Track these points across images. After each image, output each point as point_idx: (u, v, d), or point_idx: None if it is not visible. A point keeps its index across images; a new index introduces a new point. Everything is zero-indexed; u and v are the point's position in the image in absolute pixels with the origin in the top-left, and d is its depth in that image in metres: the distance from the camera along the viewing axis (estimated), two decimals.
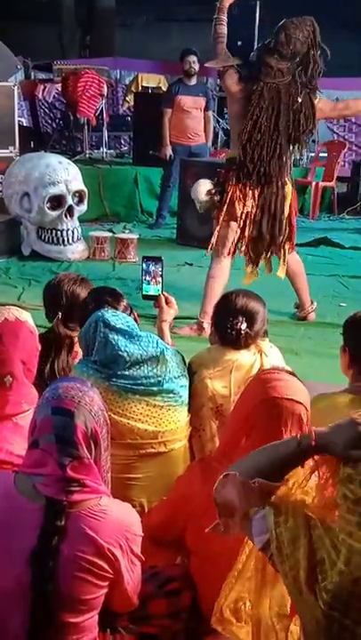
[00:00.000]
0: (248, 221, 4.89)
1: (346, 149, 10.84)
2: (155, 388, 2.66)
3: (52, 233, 7.09)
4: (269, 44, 4.65)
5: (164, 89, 11.00)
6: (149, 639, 2.12)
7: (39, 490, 1.82)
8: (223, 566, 2.05)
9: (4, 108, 7.99)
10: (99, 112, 10.56)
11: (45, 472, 1.83)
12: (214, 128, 9.64)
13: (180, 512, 2.19)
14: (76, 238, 7.20)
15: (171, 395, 2.69)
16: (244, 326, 2.87)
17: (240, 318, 2.88)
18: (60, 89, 11.34)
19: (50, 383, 2.03)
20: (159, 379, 2.66)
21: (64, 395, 1.88)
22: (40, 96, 12.42)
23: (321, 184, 10.05)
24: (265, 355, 2.94)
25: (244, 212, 4.86)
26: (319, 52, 4.66)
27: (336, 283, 6.69)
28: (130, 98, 12.62)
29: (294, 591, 1.51)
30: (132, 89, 12.88)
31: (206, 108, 8.44)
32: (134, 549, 1.92)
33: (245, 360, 2.89)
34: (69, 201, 7.03)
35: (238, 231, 4.92)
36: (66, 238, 7.12)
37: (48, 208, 6.95)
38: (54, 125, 12.48)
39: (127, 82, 13.59)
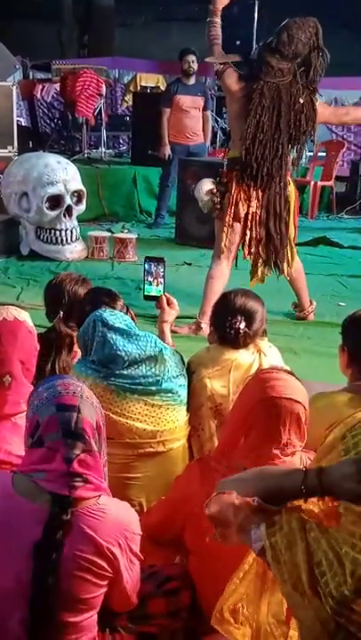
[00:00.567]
0: (253, 222, 4.88)
1: (345, 149, 10.85)
2: (153, 388, 2.66)
3: (50, 233, 7.08)
4: (271, 44, 4.64)
5: (163, 88, 10.99)
6: (148, 638, 2.12)
7: (42, 486, 1.82)
8: (222, 565, 2.05)
9: (2, 108, 7.98)
10: (97, 112, 10.56)
11: (49, 468, 1.83)
12: (213, 128, 9.64)
13: (178, 511, 2.19)
14: (74, 238, 7.19)
15: (169, 394, 2.70)
16: (242, 325, 2.87)
17: (239, 317, 2.88)
18: (58, 89, 11.34)
19: None
20: (158, 378, 2.66)
21: (65, 391, 1.89)
22: (38, 96, 12.42)
23: (320, 183, 10.05)
24: (264, 354, 2.94)
25: (249, 212, 4.84)
26: (321, 54, 4.65)
27: (335, 282, 6.68)
28: (128, 97, 12.64)
29: (296, 597, 1.49)
30: (131, 88, 12.89)
31: (205, 108, 8.44)
32: (133, 548, 1.93)
33: (244, 359, 2.89)
34: (68, 201, 7.03)
35: (246, 233, 4.89)
36: (64, 238, 7.11)
37: (47, 208, 6.94)
38: (53, 125, 12.49)
39: (126, 81, 13.60)
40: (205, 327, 4.45)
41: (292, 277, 5.27)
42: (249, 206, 4.83)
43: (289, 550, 1.50)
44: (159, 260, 3.24)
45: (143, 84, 12.88)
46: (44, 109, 12.78)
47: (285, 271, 5.09)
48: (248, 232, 4.88)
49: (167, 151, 8.37)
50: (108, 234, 7.73)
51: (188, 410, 2.81)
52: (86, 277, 3.49)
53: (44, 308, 3.45)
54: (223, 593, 1.81)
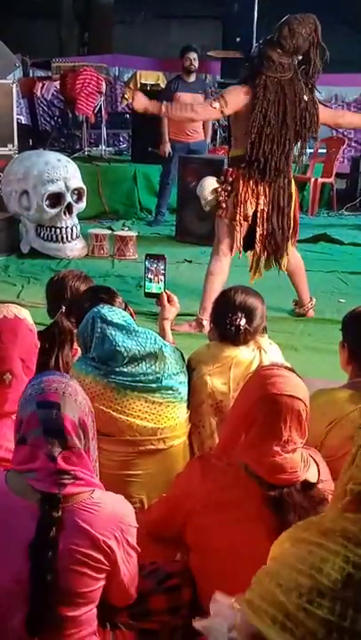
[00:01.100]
0: (262, 220, 4.87)
1: (345, 145, 10.83)
2: (154, 385, 2.66)
3: (51, 230, 7.08)
4: (272, 39, 4.64)
5: (163, 86, 10.98)
6: (149, 635, 2.12)
7: (33, 485, 1.83)
8: (223, 562, 2.06)
9: (2, 106, 7.98)
10: (97, 109, 10.55)
11: (36, 467, 1.83)
12: (213, 125, 9.62)
13: (179, 508, 2.19)
14: (75, 236, 7.19)
15: (170, 391, 2.70)
16: (243, 322, 2.87)
17: (239, 314, 2.88)
18: (58, 86, 11.31)
19: None
20: (158, 375, 2.66)
21: (47, 388, 1.89)
22: (38, 94, 12.40)
23: (320, 180, 10.04)
24: (264, 351, 2.94)
25: (258, 210, 4.84)
26: (320, 51, 4.66)
27: (335, 279, 6.69)
28: (129, 95, 12.61)
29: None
30: (131, 86, 12.86)
31: None
32: (130, 540, 1.93)
33: (245, 356, 2.89)
34: (68, 198, 7.03)
35: (256, 230, 4.89)
36: (65, 236, 7.11)
37: (47, 206, 6.94)
38: (53, 123, 12.48)
39: (126, 79, 13.58)
40: (207, 324, 4.45)
41: (292, 272, 5.27)
42: (257, 204, 4.83)
43: None
44: (160, 258, 3.24)
45: (143, 82, 12.85)
46: (44, 107, 12.77)
47: (284, 265, 5.10)
48: (258, 229, 4.88)
49: (167, 149, 8.37)
50: (109, 231, 7.74)
51: (188, 407, 2.81)
52: (88, 275, 3.49)
53: (45, 305, 3.45)
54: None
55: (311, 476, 2.11)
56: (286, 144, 4.74)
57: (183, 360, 2.84)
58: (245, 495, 2.06)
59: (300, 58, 4.69)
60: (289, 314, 5.56)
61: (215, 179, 4.97)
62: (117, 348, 2.62)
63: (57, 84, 11.35)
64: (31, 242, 7.17)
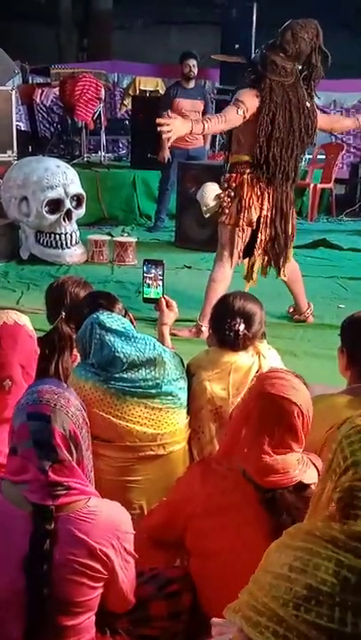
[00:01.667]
0: (264, 225, 4.87)
1: (344, 151, 10.87)
2: (153, 391, 2.66)
3: (50, 237, 7.09)
4: (274, 43, 4.65)
5: (162, 92, 11.00)
6: None
7: (27, 497, 1.82)
8: (223, 567, 2.06)
9: (1, 113, 8.01)
10: (96, 116, 10.56)
11: (28, 478, 1.82)
12: None
13: (179, 513, 2.19)
14: (74, 242, 7.20)
15: (169, 397, 2.70)
16: (241, 328, 2.88)
17: (238, 320, 2.88)
18: (57, 93, 11.34)
19: None
20: (157, 381, 2.66)
21: (39, 399, 1.87)
22: (38, 100, 12.43)
23: (319, 186, 10.06)
24: (263, 356, 2.94)
25: (262, 215, 4.84)
26: (320, 57, 4.67)
27: (334, 284, 6.69)
28: (128, 101, 12.62)
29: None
30: (130, 92, 12.89)
31: (204, 112, 8.43)
32: (127, 547, 1.92)
33: (244, 362, 2.89)
34: (68, 204, 7.04)
35: (257, 236, 4.88)
36: (64, 242, 7.12)
37: (46, 212, 6.96)
38: (52, 129, 12.49)
39: (125, 85, 13.60)
40: (206, 330, 4.45)
41: (289, 279, 5.26)
42: (261, 209, 4.82)
43: None
44: (158, 263, 3.25)
45: (142, 88, 12.87)
46: (44, 114, 12.81)
47: (283, 272, 5.10)
48: (260, 234, 4.88)
49: (167, 155, 8.37)
50: (108, 237, 7.75)
51: (188, 412, 2.82)
52: (87, 281, 3.50)
53: (45, 311, 3.45)
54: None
55: (310, 478, 2.12)
56: (295, 148, 4.75)
57: (183, 366, 2.84)
58: (244, 499, 2.07)
59: (302, 64, 4.69)
60: (288, 319, 5.56)
61: (217, 185, 4.95)
62: (116, 353, 2.62)
63: (56, 90, 11.38)
64: (31, 248, 7.18)
